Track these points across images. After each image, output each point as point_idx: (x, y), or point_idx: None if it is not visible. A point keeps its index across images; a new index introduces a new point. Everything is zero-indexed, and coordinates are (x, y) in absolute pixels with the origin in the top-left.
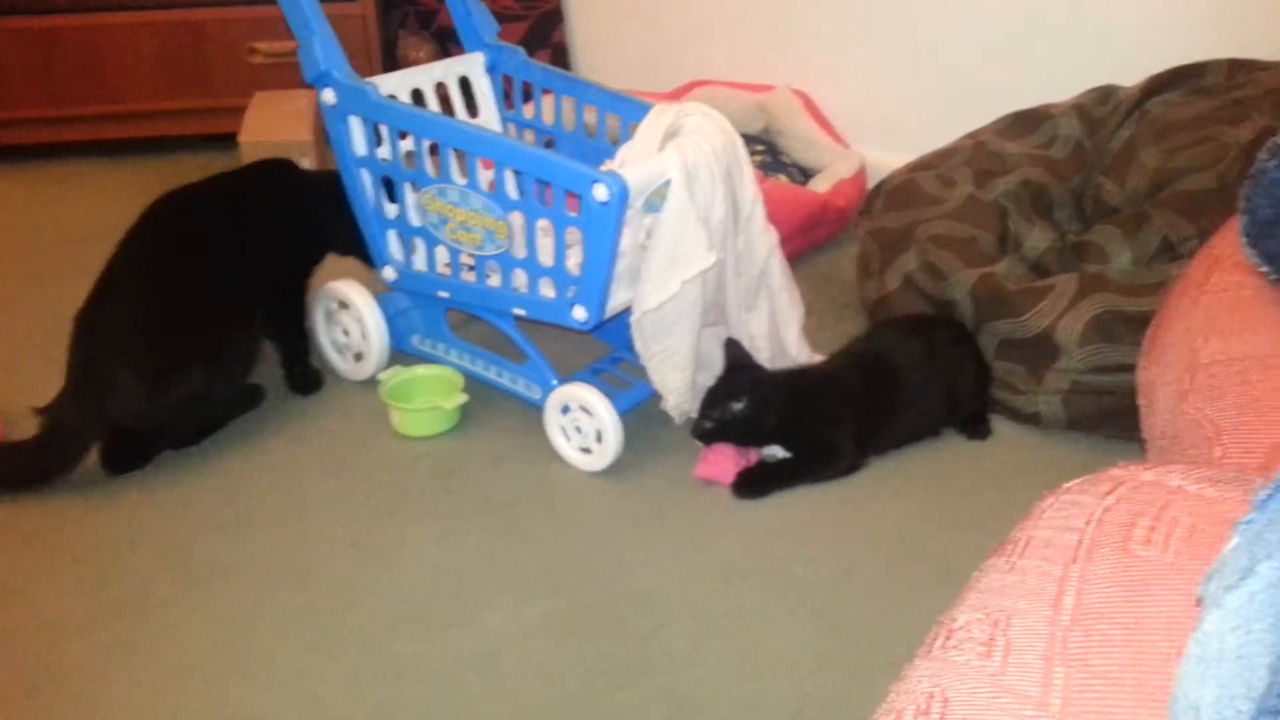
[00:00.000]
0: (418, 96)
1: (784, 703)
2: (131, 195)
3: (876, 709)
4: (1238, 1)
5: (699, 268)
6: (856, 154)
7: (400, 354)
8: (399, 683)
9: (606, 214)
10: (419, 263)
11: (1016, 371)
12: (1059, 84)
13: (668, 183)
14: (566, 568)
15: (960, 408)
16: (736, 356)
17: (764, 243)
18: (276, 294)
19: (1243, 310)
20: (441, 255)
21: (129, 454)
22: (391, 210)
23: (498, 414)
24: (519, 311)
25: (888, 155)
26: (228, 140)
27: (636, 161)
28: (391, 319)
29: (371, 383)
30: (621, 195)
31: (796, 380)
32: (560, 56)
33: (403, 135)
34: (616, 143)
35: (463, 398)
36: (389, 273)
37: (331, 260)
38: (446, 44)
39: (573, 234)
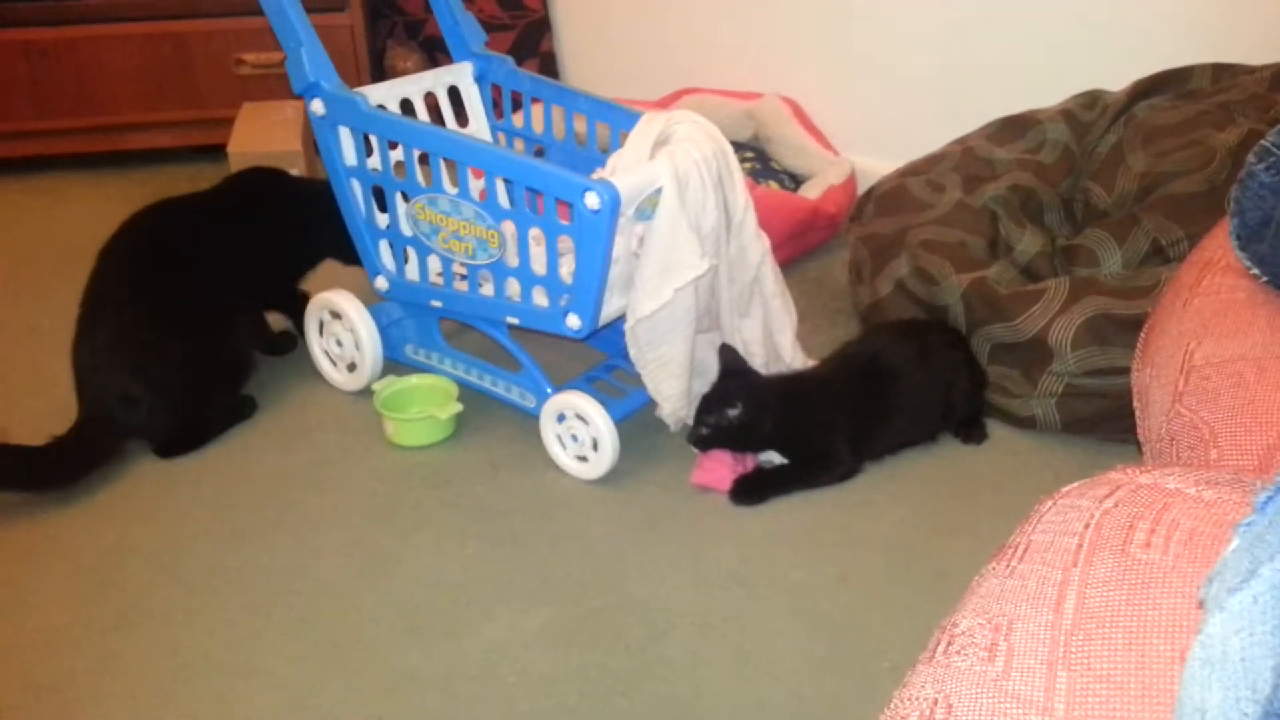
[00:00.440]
0: (406, 106)
1: (783, 709)
2: (120, 207)
3: (876, 714)
4: (1221, 7)
5: (692, 275)
6: (846, 160)
7: (394, 364)
8: (397, 693)
9: (598, 222)
10: (411, 272)
11: (1010, 375)
12: (1046, 89)
13: (659, 190)
14: (564, 576)
15: (955, 412)
16: (731, 362)
17: (756, 249)
18: (270, 298)
19: (1235, 312)
20: (434, 265)
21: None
22: (383, 220)
23: (493, 423)
24: (512, 320)
25: (877, 161)
26: (216, 151)
27: (627, 169)
28: (385, 329)
29: (365, 393)
30: (613, 203)
31: (791, 386)
32: (548, 65)
33: (392, 145)
34: (606, 151)
35: (457, 407)
36: (381, 283)
37: (323, 270)
38: (434, 53)
39: (565, 242)
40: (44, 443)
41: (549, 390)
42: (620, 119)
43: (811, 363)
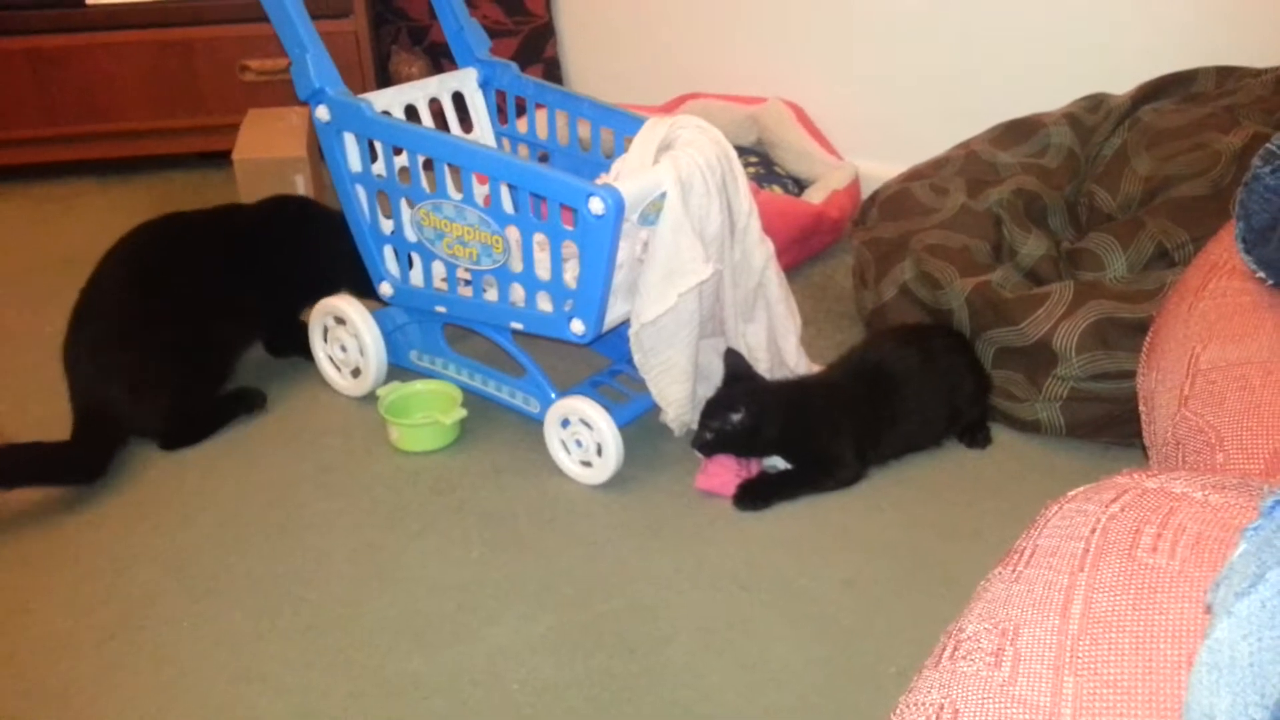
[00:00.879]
0: (411, 112)
1: (788, 714)
2: (125, 214)
3: None
4: (1225, 10)
5: (696, 280)
6: (850, 165)
7: (398, 369)
8: (402, 699)
9: (602, 227)
10: (416, 278)
11: (1015, 379)
12: (1050, 93)
13: (663, 195)
14: (568, 582)
15: (960, 416)
16: (736, 367)
17: (760, 254)
18: (272, 324)
19: (1241, 316)
20: (438, 270)
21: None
22: (387, 226)
23: (497, 428)
24: (516, 325)
25: (881, 166)
26: (222, 158)
27: (631, 175)
28: (389, 334)
29: (370, 399)
30: (617, 208)
31: (796, 391)
32: (552, 71)
33: (397, 151)
34: (610, 156)
35: (462, 413)
36: (386, 288)
37: None
38: (439, 60)
39: (569, 248)
40: (54, 442)
41: (553, 395)
42: (624, 124)
43: (816, 367)
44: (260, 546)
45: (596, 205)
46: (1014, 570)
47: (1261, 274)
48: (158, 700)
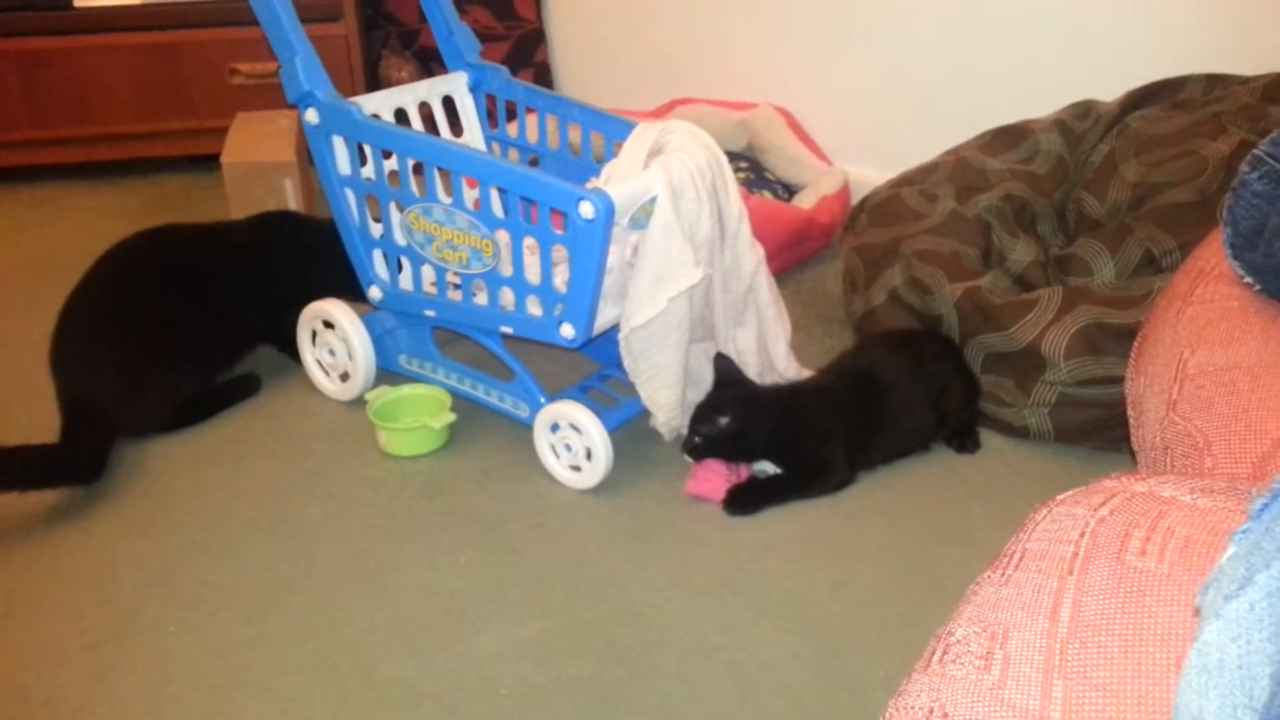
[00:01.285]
0: (401, 116)
1: (778, 718)
2: (114, 217)
3: None
4: (1213, 17)
5: (686, 284)
6: (840, 170)
7: (387, 373)
8: (391, 705)
9: (593, 231)
10: (405, 282)
11: (1004, 385)
12: (1039, 100)
13: (653, 200)
14: (558, 586)
15: (949, 421)
16: (725, 372)
17: (750, 259)
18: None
19: (1228, 321)
20: (427, 274)
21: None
22: (376, 229)
23: (486, 433)
24: (506, 329)
25: (871, 172)
26: (211, 161)
27: (622, 179)
28: (378, 338)
29: (359, 403)
30: (607, 212)
31: (785, 395)
32: (543, 76)
33: (386, 154)
34: (601, 161)
35: (451, 417)
36: (375, 292)
37: None
38: (429, 64)
39: (559, 252)
40: (45, 444)
41: (543, 400)
42: (615, 129)
43: (806, 372)
44: (248, 551)
45: (586, 209)
46: (1003, 574)
47: (1249, 279)
48: (145, 706)
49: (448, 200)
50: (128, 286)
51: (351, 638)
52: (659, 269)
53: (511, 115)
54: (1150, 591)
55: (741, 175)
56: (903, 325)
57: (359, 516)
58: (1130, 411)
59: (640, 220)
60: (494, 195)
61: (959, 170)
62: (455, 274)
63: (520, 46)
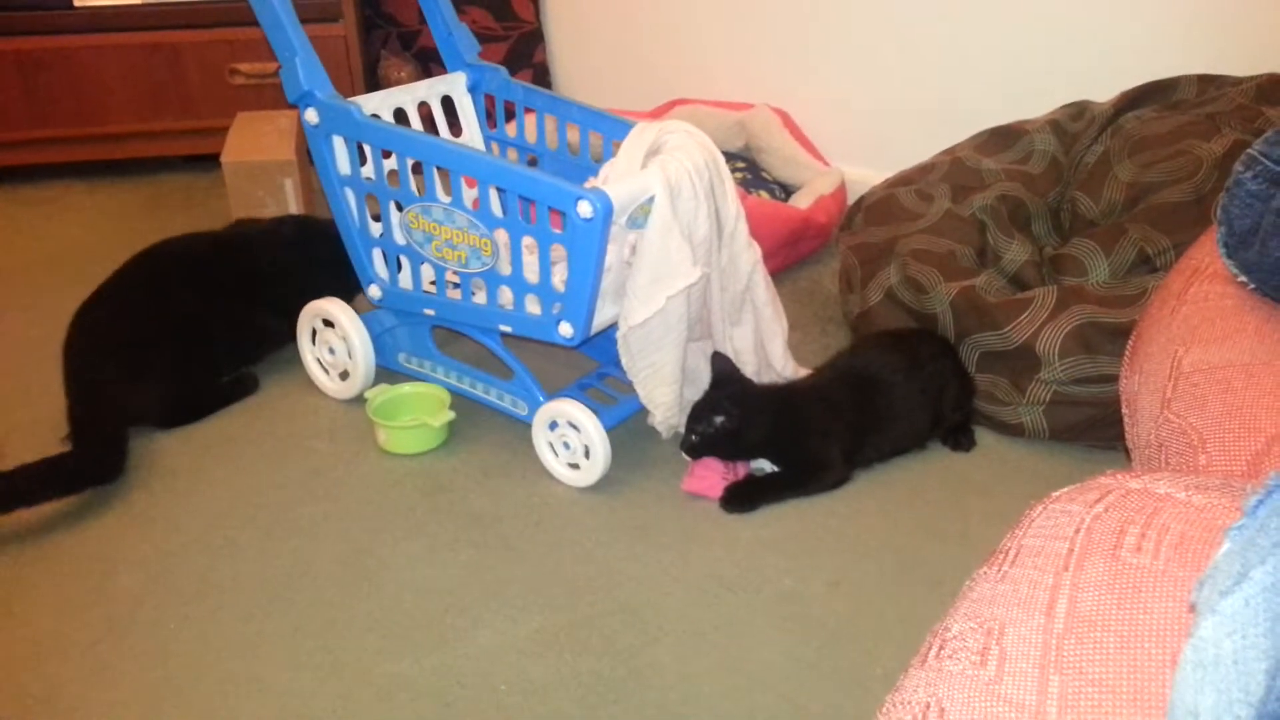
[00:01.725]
0: (400, 116)
1: (774, 715)
2: (114, 217)
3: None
4: (1206, 18)
5: (684, 283)
6: (836, 170)
7: (387, 372)
8: (390, 702)
9: (591, 230)
10: (404, 281)
11: (999, 383)
12: (1034, 100)
13: (651, 199)
14: (556, 583)
15: (944, 420)
16: (722, 370)
17: (748, 258)
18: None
19: (1223, 319)
20: (427, 273)
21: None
22: (376, 228)
23: (485, 431)
24: (505, 328)
25: (867, 172)
26: (210, 161)
27: (620, 178)
28: (378, 337)
29: (358, 401)
30: (606, 212)
31: (782, 394)
32: (541, 76)
33: (386, 154)
34: (599, 160)
35: (450, 415)
36: (374, 291)
37: None
38: (428, 64)
39: (558, 251)
40: (61, 454)
41: (541, 398)
42: (613, 128)
43: (803, 371)
44: (247, 549)
45: (585, 209)
46: (999, 570)
47: (1243, 278)
48: (145, 703)
49: (447, 199)
50: (146, 281)
51: (351, 634)
52: (657, 268)
53: (510, 115)
54: (1146, 587)
55: (739, 175)
56: (899, 324)
57: (358, 514)
58: (1125, 409)
59: (638, 219)
60: (493, 194)
61: (954, 170)
62: (454, 273)
63: (519, 47)
